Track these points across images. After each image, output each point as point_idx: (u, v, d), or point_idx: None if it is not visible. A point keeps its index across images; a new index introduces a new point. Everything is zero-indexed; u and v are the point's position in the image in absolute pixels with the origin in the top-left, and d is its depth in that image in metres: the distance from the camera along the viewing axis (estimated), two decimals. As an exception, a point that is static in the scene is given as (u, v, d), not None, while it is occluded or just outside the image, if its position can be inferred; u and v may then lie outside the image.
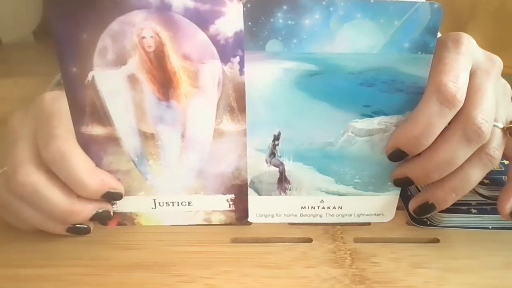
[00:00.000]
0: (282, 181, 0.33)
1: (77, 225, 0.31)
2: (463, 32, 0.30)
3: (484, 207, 0.34)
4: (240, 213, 0.34)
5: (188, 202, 0.33)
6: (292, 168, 0.32)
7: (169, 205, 0.33)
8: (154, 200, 0.33)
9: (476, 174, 0.30)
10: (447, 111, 0.28)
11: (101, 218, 0.32)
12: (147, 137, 0.30)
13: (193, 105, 0.29)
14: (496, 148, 0.30)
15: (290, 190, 0.33)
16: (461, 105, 0.28)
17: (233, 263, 0.31)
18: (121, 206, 0.33)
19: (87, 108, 0.29)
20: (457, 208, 0.34)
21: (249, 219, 0.34)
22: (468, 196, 0.33)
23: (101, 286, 0.29)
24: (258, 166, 0.32)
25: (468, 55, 0.29)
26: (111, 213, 0.33)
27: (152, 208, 0.33)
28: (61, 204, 0.29)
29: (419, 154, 0.30)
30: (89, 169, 0.30)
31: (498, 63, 0.31)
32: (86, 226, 0.32)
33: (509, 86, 0.32)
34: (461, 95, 0.28)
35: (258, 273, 0.30)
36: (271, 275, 0.30)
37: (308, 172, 0.32)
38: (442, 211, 0.33)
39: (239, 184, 0.33)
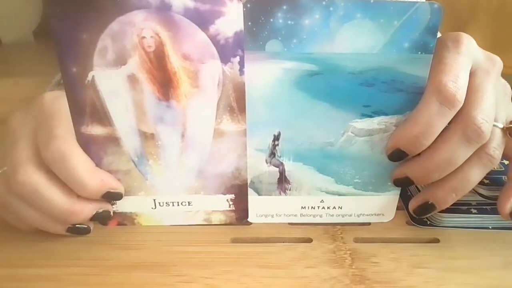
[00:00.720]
0: (282, 181, 0.33)
1: (77, 225, 0.31)
2: (463, 32, 0.30)
3: (484, 207, 0.34)
4: (240, 213, 0.34)
5: (188, 202, 0.33)
6: (292, 168, 0.32)
7: (169, 205, 0.33)
8: (154, 200, 0.33)
9: (476, 174, 0.30)
10: (447, 111, 0.28)
11: (101, 218, 0.32)
12: (147, 137, 0.30)
13: (193, 105, 0.29)
14: (496, 148, 0.30)
15: (290, 190, 0.33)
16: (461, 105, 0.28)
17: (233, 263, 0.31)
18: (121, 206, 0.33)
19: (87, 108, 0.29)
20: (457, 208, 0.34)
21: (249, 219, 0.34)
22: (468, 196, 0.33)
23: (101, 286, 0.29)
24: (258, 166, 0.32)
25: (468, 55, 0.29)
26: (111, 213, 0.33)
27: (152, 208, 0.33)
28: (61, 204, 0.29)
29: (419, 154, 0.30)
30: (89, 169, 0.30)
31: (498, 63, 0.31)
32: (86, 226, 0.32)
33: (509, 86, 0.32)
34: (461, 95, 0.28)
35: (258, 273, 0.30)
36: (271, 275, 0.30)
37: (308, 172, 0.32)
38: (442, 211, 0.33)
39: (239, 184, 0.33)
